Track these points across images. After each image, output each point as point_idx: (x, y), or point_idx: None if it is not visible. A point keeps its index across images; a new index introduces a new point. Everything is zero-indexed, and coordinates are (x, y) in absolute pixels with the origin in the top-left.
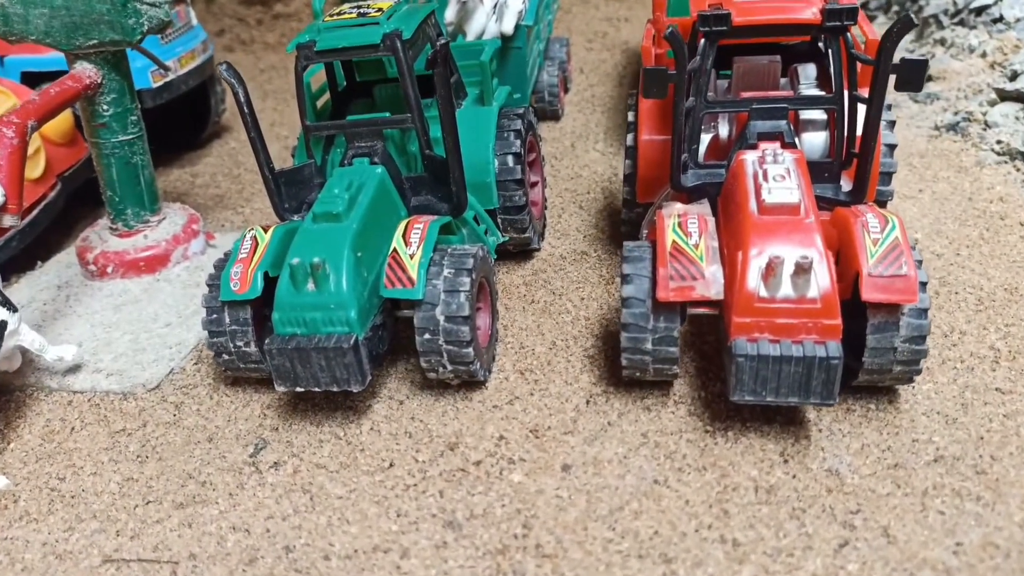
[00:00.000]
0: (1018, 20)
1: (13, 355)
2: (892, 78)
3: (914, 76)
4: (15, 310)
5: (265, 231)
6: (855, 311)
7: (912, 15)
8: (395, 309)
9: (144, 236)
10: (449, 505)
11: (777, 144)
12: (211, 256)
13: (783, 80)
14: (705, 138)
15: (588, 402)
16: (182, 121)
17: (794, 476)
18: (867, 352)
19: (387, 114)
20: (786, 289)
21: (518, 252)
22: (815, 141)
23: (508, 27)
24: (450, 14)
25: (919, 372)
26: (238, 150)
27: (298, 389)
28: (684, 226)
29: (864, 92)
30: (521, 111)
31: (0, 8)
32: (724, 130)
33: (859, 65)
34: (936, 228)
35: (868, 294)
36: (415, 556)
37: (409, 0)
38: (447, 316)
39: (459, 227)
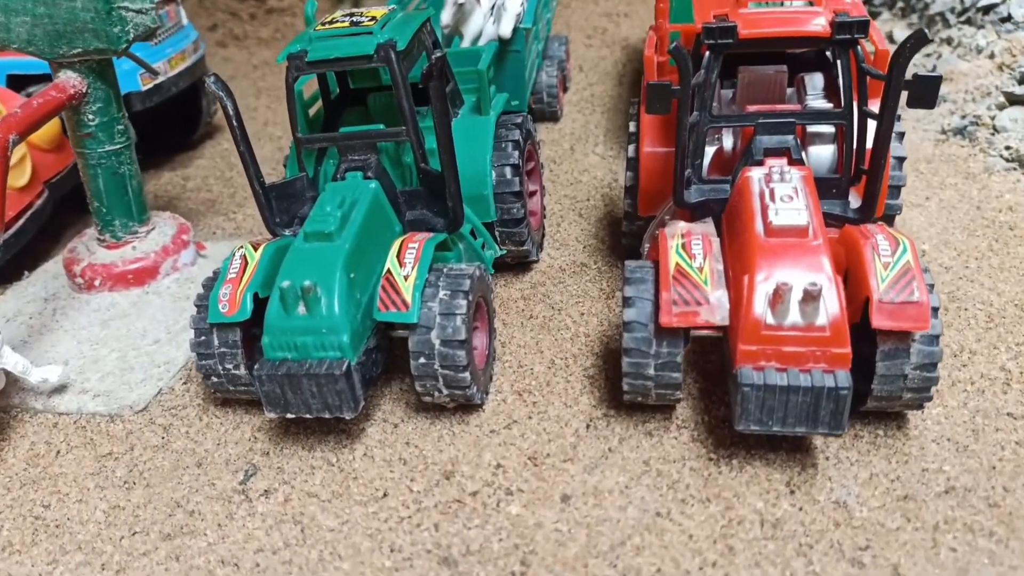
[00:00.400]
0: None
1: None
2: (903, 94)
3: (927, 93)
4: None
5: (255, 249)
6: (864, 334)
7: (926, 31)
8: (389, 329)
9: (132, 248)
10: (444, 540)
11: (784, 161)
12: (201, 267)
13: (789, 90)
14: (709, 151)
15: (588, 426)
16: (173, 122)
17: (801, 508)
18: (876, 379)
19: (381, 125)
20: (794, 316)
21: (516, 264)
22: (823, 155)
23: (506, 30)
24: (446, 17)
25: (930, 399)
26: (230, 152)
27: (289, 415)
28: (688, 248)
29: (873, 105)
30: (519, 120)
31: None
32: (728, 142)
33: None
34: (944, 239)
35: (879, 321)
36: None
37: (404, 6)
38: (443, 340)
39: (455, 242)
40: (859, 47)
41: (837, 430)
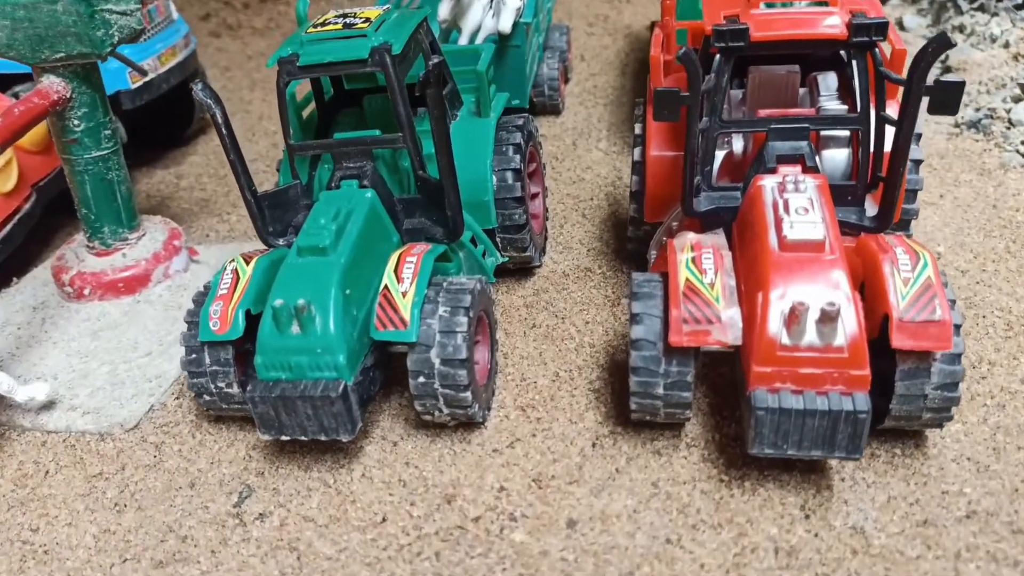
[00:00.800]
0: None
1: None
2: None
3: (950, 99)
4: None
5: (247, 263)
6: (882, 350)
7: (949, 35)
8: (388, 345)
9: (123, 255)
10: (446, 570)
11: (798, 169)
12: (194, 273)
13: (801, 91)
14: (718, 155)
15: (594, 445)
16: (166, 117)
17: (816, 535)
18: (895, 399)
19: (377, 131)
20: (810, 337)
21: (518, 269)
22: (837, 159)
23: (506, 25)
24: (443, 11)
25: (950, 418)
26: None
27: (284, 438)
28: (698, 262)
29: (891, 109)
30: (520, 121)
31: None
32: (739, 145)
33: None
34: (959, 240)
35: (899, 341)
36: None
37: (399, 6)
38: (443, 359)
39: (455, 250)
40: (877, 49)
41: (855, 454)
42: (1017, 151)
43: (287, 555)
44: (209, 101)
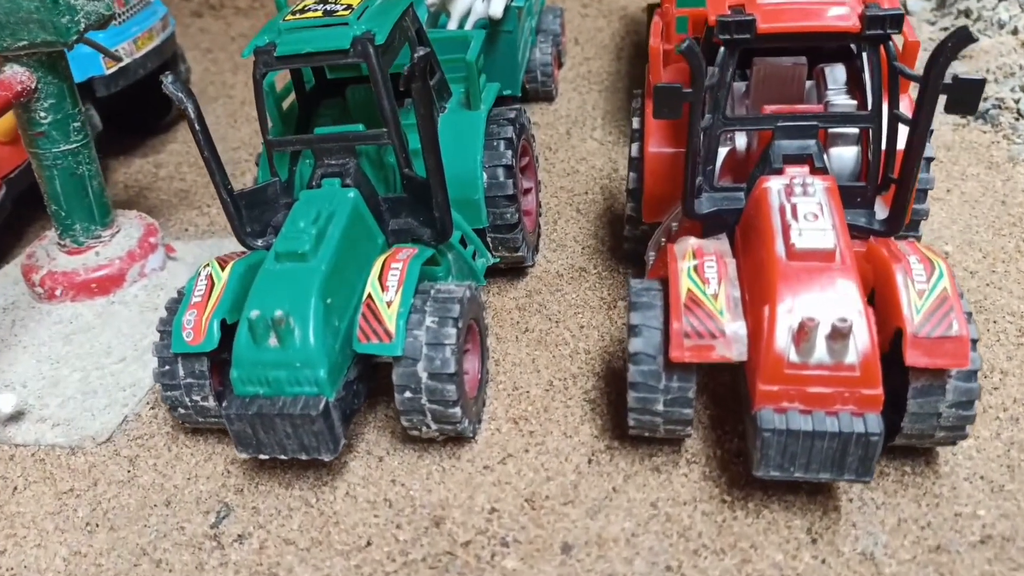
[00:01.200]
0: None
1: None
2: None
3: (969, 97)
4: None
5: (222, 267)
6: (893, 362)
7: (970, 29)
8: (372, 356)
9: (96, 253)
10: None
11: (806, 170)
12: (171, 271)
13: (808, 83)
14: (721, 152)
15: (590, 461)
16: (143, 103)
17: (823, 561)
18: (908, 417)
19: (361, 126)
20: (820, 354)
21: (510, 268)
22: (845, 156)
23: (497, 10)
24: None
25: (965, 437)
26: None
27: (262, 456)
28: (700, 271)
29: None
30: (512, 114)
31: None
32: (742, 142)
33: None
34: (967, 238)
35: (913, 358)
36: None
37: None
38: (431, 373)
39: (444, 252)
40: (891, 43)
41: (865, 477)
42: None
43: None
44: (180, 95)
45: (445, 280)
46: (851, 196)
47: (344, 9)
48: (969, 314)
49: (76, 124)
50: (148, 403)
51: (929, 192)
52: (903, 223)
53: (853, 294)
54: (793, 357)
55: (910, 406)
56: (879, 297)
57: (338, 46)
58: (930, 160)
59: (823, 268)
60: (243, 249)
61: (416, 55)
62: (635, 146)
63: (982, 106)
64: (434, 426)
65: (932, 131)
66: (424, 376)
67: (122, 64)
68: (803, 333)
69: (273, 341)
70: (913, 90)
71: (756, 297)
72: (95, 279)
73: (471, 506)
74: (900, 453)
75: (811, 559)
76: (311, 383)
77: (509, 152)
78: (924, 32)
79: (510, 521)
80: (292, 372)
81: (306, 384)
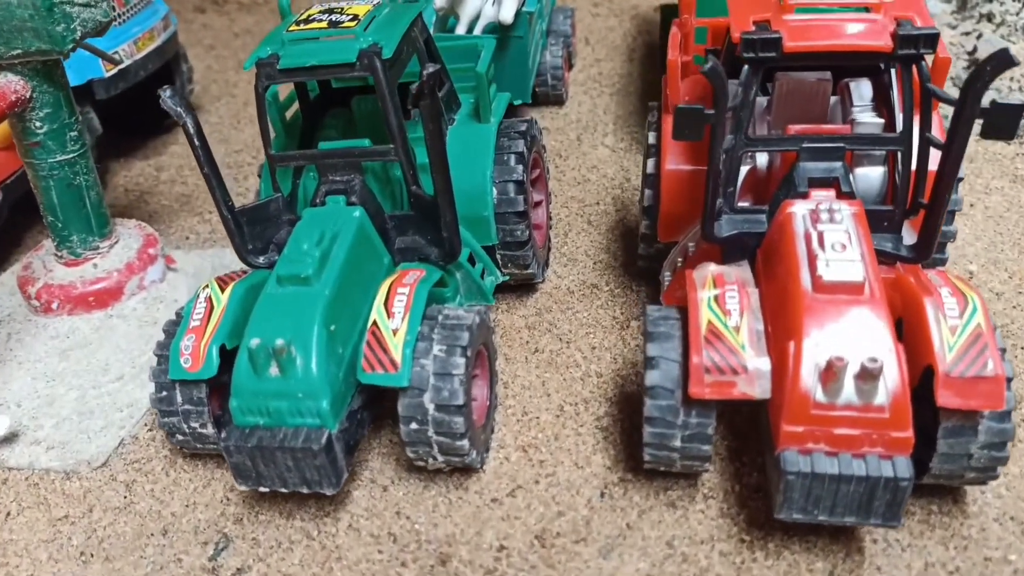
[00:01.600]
0: None
1: None
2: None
3: (1007, 122)
4: None
5: (222, 289)
6: (922, 396)
7: (1010, 52)
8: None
9: (93, 265)
10: None
11: (832, 194)
12: (171, 283)
13: (833, 99)
14: (742, 170)
15: (603, 494)
16: (146, 103)
17: None
18: (937, 457)
19: (367, 141)
20: (848, 394)
21: (520, 284)
22: (871, 176)
23: (508, 15)
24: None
25: (996, 477)
26: (208, 135)
27: (262, 489)
28: (721, 301)
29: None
30: (523, 127)
31: None
32: (763, 160)
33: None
34: (992, 257)
35: (945, 399)
36: None
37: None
38: (438, 404)
39: (452, 272)
40: (924, 63)
41: (893, 522)
42: None
43: None
44: (179, 110)
45: (453, 300)
46: (878, 220)
47: (350, 20)
48: (1003, 350)
49: (73, 134)
50: (146, 424)
51: (957, 214)
52: (932, 250)
53: (883, 331)
54: (820, 397)
55: (940, 446)
56: (908, 330)
57: (344, 59)
58: (958, 180)
59: (851, 301)
60: (242, 270)
61: (425, 72)
62: (651, 162)
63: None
64: (441, 458)
65: None
66: (431, 407)
67: (122, 66)
68: (831, 373)
69: (274, 370)
70: (943, 108)
71: (780, 330)
72: (93, 292)
73: (479, 543)
74: (927, 491)
75: None
76: (313, 414)
77: (520, 167)
78: (945, 36)
79: (519, 560)
80: (294, 403)
81: (308, 415)
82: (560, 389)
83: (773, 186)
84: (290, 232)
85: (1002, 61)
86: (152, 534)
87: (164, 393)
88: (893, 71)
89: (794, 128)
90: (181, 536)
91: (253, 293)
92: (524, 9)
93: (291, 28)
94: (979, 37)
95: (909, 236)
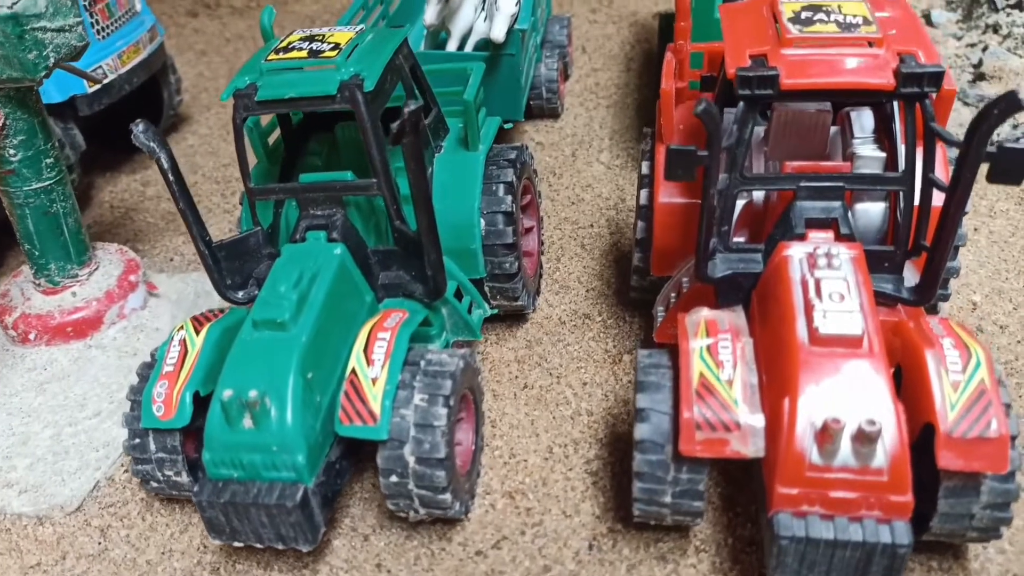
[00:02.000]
0: None
1: None
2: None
3: (1015, 167)
4: None
5: (196, 331)
6: (922, 449)
7: (1018, 95)
8: None
9: (72, 293)
10: None
11: (831, 236)
12: (153, 310)
13: (833, 129)
14: (738, 203)
15: (591, 546)
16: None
17: None
18: (937, 517)
19: (349, 174)
20: (845, 456)
21: (509, 315)
22: (872, 213)
23: (499, 33)
24: (430, 16)
25: (999, 536)
26: (196, 148)
27: (236, 544)
28: (714, 352)
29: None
30: (513, 154)
31: None
32: (759, 194)
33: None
34: (996, 286)
35: (947, 461)
36: None
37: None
38: (418, 457)
39: (438, 308)
40: (928, 101)
41: None
42: None
43: None
44: (152, 145)
45: (438, 337)
46: (878, 260)
47: (331, 49)
48: (1008, 406)
49: (49, 160)
50: (122, 465)
51: (960, 249)
52: (935, 294)
53: (882, 388)
54: (815, 458)
55: (940, 506)
56: (908, 382)
57: (324, 92)
58: (964, 213)
59: (849, 355)
60: (221, 308)
61: (406, 109)
62: (644, 193)
63: (1012, 134)
64: (422, 510)
65: None
66: (411, 460)
67: (107, 80)
68: (827, 435)
69: (248, 422)
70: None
71: (775, 383)
72: (71, 323)
73: None
74: (927, 545)
75: None
76: (288, 468)
77: (509, 198)
78: (949, 47)
79: None
80: (268, 456)
81: (283, 469)
82: (549, 428)
83: (770, 221)
84: (270, 267)
85: (1011, 104)
86: None
87: (137, 440)
88: (897, 111)
89: (791, 165)
90: None
91: (229, 335)
92: (516, 27)
93: (270, 57)
94: (985, 50)
95: (911, 274)
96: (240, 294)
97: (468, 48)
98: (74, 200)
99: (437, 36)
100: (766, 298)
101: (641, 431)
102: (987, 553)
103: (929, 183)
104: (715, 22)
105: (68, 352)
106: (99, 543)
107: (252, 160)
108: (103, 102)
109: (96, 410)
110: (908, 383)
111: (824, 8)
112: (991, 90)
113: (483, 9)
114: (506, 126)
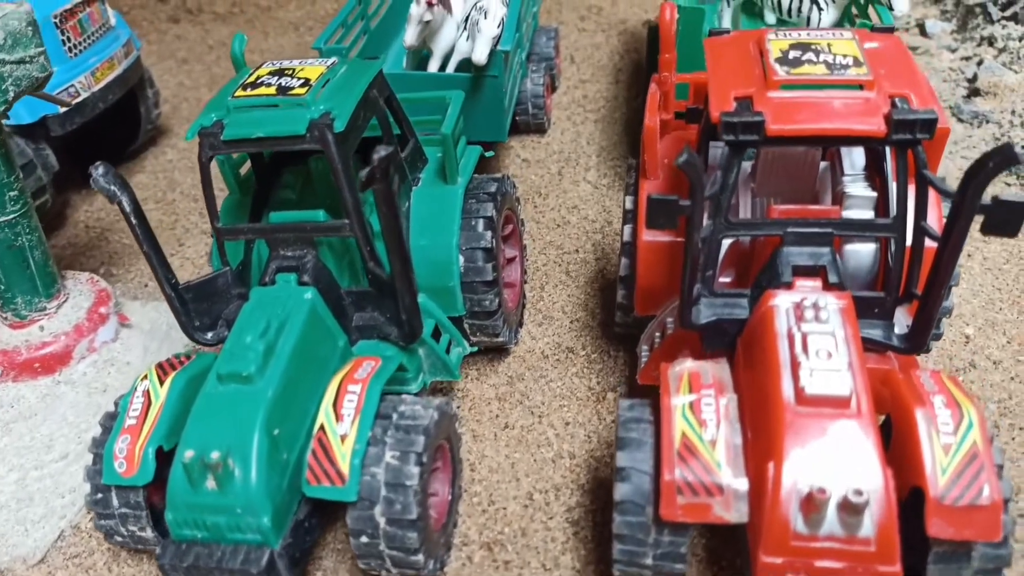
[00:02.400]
0: None
1: None
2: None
3: (1011, 219)
4: None
5: (161, 380)
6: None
7: (1015, 148)
8: None
9: (40, 327)
10: None
11: (818, 284)
12: (124, 343)
13: (822, 165)
14: (724, 243)
15: None
16: (108, 130)
17: None
18: None
19: (321, 213)
20: (831, 525)
21: (490, 349)
22: (861, 254)
23: (480, 56)
24: (410, 37)
25: None
26: (175, 163)
27: None
28: (697, 410)
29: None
30: (493, 187)
31: None
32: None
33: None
34: (990, 318)
35: (937, 529)
36: None
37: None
38: (389, 518)
39: (414, 350)
40: (920, 148)
41: None
42: None
43: None
44: (113, 188)
45: (415, 380)
46: (867, 307)
47: (301, 85)
48: (1000, 467)
49: (12, 193)
50: (88, 511)
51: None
52: (926, 342)
53: (870, 453)
54: (800, 527)
55: (930, 571)
56: (897, 440)
57: (292, 131)
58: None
59: (836, 415)
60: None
61: (375, 156)
62: (627, 229)
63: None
64: (395, 571)
65: None
66: (382, 521)
67: (80, 98)
68: (811, 505)
69: (211, 483)
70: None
71: (759, 442)
72: (38, 358)
73: None
74: None
75: None
76: (254, 531)
77: (489, 233)
78: (944, 60)
79: None
80: (232, 518)
81: (248, 531)
82: (530, 472)
83: (757, 263)
84: (239, 307)
85: (1006, 158)
86: None
87: (100, 495)
88: (891, 159)
89: (779, 210)
90: None
91: (194, 385)
92: (499, 48)
93: (237, 93)
94: (980, 63)
95: (903, 316)
96: (209, 335)
97: (450, 67)
98: (40, 232)
99: (419, 55)
100: (751, 347)
101: (621, 491)
102: None
103: (921, 234)
104: (702, 51)
105: (35, 389)
106: None
107: (223, 191)
108: (76, 121)
109: (63, 452)
110: (897, 442)
111: (813, 47)
112: (985, 106)
113: (465, 29)
114: (487, 154)
